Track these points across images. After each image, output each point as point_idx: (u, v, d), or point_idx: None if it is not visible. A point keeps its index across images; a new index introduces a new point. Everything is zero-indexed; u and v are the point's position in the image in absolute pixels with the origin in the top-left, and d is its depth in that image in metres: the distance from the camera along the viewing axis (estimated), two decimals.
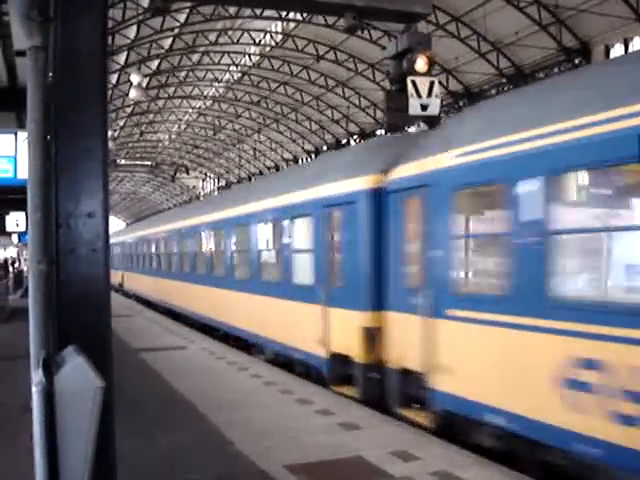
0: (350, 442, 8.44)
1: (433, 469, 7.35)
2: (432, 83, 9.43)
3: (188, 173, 65.75)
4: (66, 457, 4.16)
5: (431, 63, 9.37)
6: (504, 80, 33.83)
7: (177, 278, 25.68)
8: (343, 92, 43.69)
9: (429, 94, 9.40)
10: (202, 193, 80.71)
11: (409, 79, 9.28)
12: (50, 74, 5.23)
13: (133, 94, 28.71)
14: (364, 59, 38.28)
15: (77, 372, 4.18)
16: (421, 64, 9.31)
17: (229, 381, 12.61)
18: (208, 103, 54.52)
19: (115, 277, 43.00)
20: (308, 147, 54.76)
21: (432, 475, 7.15)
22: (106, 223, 5.30)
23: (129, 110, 52.72)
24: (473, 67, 34.41)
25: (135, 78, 28.41)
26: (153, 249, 31.52)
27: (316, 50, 38.54)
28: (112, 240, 33.31)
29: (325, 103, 46.84)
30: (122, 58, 38.06)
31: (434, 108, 9.55)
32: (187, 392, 11.55)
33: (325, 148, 51.40)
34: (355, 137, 47.26)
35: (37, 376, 4.20)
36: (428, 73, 9.37)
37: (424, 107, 9.47)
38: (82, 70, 5.25)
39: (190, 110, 56.92)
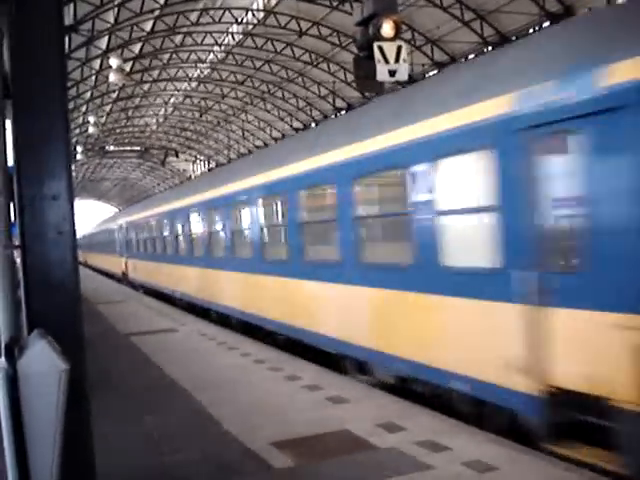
0: (337, 416, 8.41)
1: (419, 439, 7.32)
2: (399, 48, 9.25)
3: (178, 156, 65.28)
4: (34, 441, 4.12)
5: (398, 27, 9.18)
6: (490, 48, 33.60)
7: None
8: (328, 67, 43.38)
9: (397, 59, 9.23)
10: (193, 176, 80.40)
11: (376, 45, 9.11)
12: (6, 57, 5.15)
13: (113, 78, 28.42)
14: (347, 33, 37.95)
15: (41, 356, 4.12)
16: (387, 29, 9.13)
17: (218, 361, 12.57)
18: (193, 85, 54.11)
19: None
20: (296, 124, 54.49)
21: (418, 445, 7.13)
22: (71, 205, 5.23)
23: (114, 95, 52.30)
24: (457, 36, 34.19)
25: (114, 61, 28.12)
26: None
27: (299, 26, 38.18)
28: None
29: (311, 79, 46.53)
30: (104, 43, 37.63)
31: (402, 73, 9.38)
32: (176, 374, 11.52)
33: (313, 125, 51.15)
34: (343, 112, 47.01)
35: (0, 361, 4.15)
36: (395, 38, 9.20)
37: (392, 73, 9.30)
38: (39, 52, 5.17)
39: (176, 92, 56.46)
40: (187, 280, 22.63)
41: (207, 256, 19.45)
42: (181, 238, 23.26)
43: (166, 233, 25.52)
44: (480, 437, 7.39)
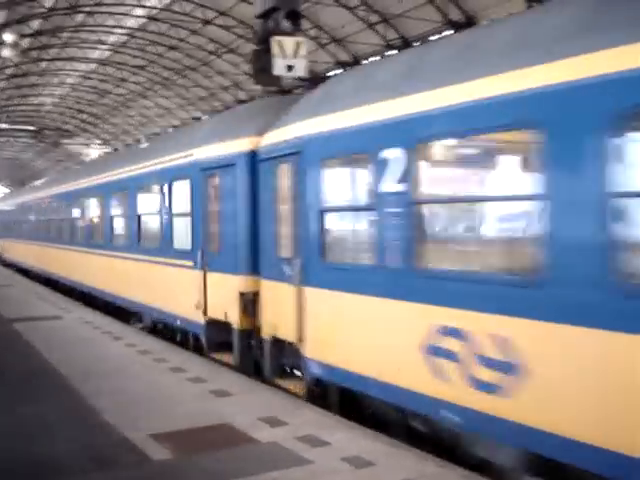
0: (220, 409, 8.38)
1: (300, 433, 7.38)
2: (298, 43, 9.25)
3: (72, 138, 63.66)
4: None
5: (298, 23, 9.19)
6: (392, 52, 34.15)
7: None
8: (232, 59, 43.10)
9: (295, 54, 9.22)
10: (88, 159, 78.29)
11: (274, 39, 9.07)
12: None
13: (7, 53, 27.37)
14: (254, 25, 37.77)
15: None
16: (287, 24, 9.12)
17: (102, 350, 12.31)
18: (93, 66, 52.72)
19: None
20: (197, 114, 53.86)
21: (298, 439, 7.18)
22: None
23: (9, 72, 50.35)
24: (361, 38, 34.64)
25: (8, 36, 27.05)
26: None
27: (204, 14, 37.75)
28: None
29: (214, 69, 46.13)
30: (1, 17, 36.14)
31: (300, 69, 9.38)
32: (57, 362, 11.21)
33: None
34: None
35: None
36: (295, 33, 9.20)
37: (290, 67, 9.30)
38: None
39: (74, 73, 54.87)
40: None
41: None
42: None
43: None
44: (359, 432, 7.50)
